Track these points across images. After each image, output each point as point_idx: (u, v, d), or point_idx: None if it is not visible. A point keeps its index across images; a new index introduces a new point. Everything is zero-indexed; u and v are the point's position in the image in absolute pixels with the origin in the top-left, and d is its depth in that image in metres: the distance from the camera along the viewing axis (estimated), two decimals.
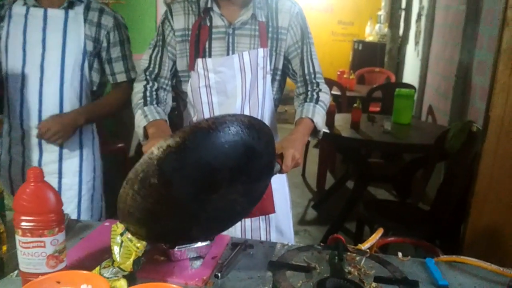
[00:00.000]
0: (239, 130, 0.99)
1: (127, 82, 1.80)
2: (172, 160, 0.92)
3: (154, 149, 0.91)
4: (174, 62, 1.50)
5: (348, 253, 1.21)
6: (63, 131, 1.69)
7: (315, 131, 1.44)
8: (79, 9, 1.72)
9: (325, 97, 1.50)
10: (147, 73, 1.48)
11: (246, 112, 1.48)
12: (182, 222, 1.04)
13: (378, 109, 4.91)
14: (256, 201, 1.20)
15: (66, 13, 1.70)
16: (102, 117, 1.87)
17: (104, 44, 1.76)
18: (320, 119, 1.43)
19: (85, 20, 1.72)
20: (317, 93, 1.48)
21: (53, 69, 1.70)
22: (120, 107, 1.84)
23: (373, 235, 1.27)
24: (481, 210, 1.93)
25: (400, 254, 1.25)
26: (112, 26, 1.75)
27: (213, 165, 0.98)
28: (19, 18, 1.69)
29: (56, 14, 1.69)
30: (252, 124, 1.03)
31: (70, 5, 1.71)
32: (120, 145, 3.49)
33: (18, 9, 1.69)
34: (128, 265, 1.05)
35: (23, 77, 1.70)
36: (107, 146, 3.06)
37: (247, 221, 1.56)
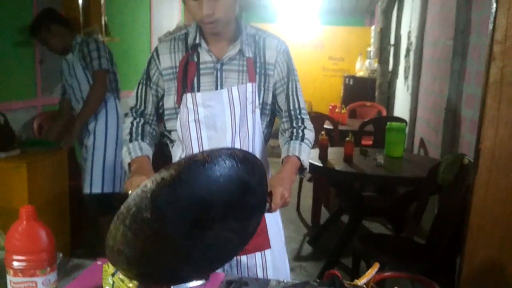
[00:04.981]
0: (234, 164, 0.98)
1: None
2: (166, 194, 0.90)
3: (148, 182, 0.89)
4: (159, 99, 1.55)
5: None
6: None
7: (301, 169, 1.48)
8: None
9: (310, 134, 1.54)
10: (133, 110, 1.56)
11: (237, 147, 1.49)
12: (173, 261, 1.01)
13: (370, 142, 4.94)
14: (247, 239, 1.18)
15: None
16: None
17: None
18: (306, 157, 1.48)
19: None
20: (302, 131, 1.53)
21: None
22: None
23: (369, 270, 1.26)
24: (476, 243, 1.92)
25: None
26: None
27: (207, 199, 0.96)
28: None
29: None
30: (246, 158, 1.03)
31: None
32: None
33: None
34: None
35: None
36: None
37: (243, 258, 1.54)
